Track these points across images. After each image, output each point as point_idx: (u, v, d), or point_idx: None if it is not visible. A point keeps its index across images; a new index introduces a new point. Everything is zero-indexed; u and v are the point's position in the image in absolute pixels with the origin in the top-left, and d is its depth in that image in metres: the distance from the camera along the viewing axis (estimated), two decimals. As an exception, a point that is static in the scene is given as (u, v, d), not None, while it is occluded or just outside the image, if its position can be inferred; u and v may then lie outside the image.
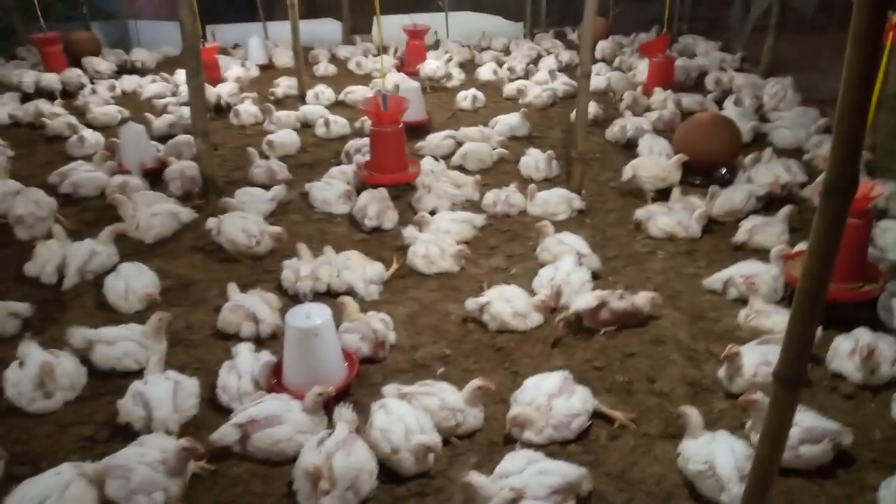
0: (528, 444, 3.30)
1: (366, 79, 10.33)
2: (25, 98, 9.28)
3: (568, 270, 4.58)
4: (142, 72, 10.93)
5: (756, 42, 10.43)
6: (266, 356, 3.80)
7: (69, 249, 4.92)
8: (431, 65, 9.95)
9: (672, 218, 5.40)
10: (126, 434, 3.40)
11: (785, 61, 9.72)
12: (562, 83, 9.37)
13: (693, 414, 3.25)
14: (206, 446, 3.18)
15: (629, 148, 7.20)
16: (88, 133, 7.53)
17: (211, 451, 3.24)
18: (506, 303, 4.27)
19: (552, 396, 3.41)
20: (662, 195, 5.92)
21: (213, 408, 3.64)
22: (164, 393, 3.45)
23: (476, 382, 3.45)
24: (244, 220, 5.16)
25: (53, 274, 4.85)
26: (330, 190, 5.97)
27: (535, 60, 11.07)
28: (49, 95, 9.45)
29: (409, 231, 5.18)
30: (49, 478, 2.92)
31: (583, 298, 4.21)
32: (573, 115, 7.27)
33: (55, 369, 3.64)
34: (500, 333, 4.25)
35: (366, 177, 6.07)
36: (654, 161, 6.12)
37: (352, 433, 3.14)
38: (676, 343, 4.16)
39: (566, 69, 10.48)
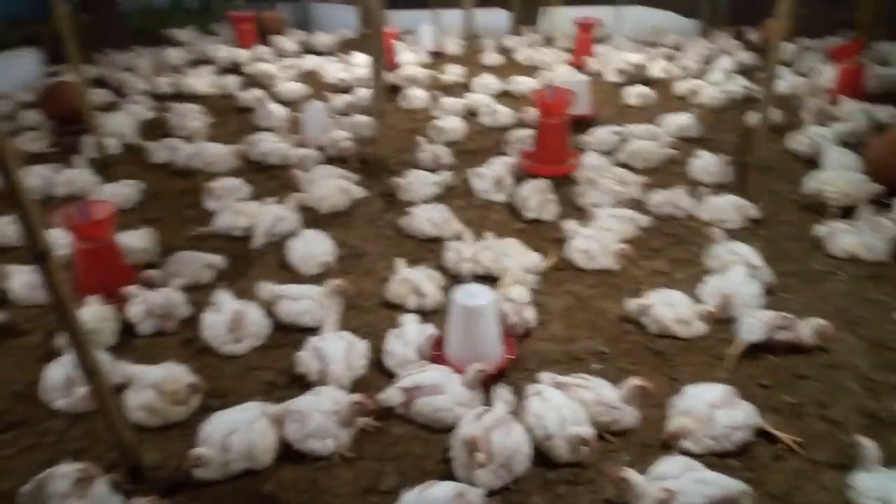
0: (686, 453, 3.25)
1: (532, 70, 10.37)
2: (220, 71, 10.21)
3: (737, 282, 4.40)
4: (321, 53, 11.64)
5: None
6: (429, 329, 4.00)
7: (259, 212, 5.41)
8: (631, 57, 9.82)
9: (857, 237, 5.02)
10: (302, 383, 3.73)
11: None
12: (738, 85, 8.91)
13: (870, 446, 3.06)
14: (373, 404, 3.41)
15: (811, 159, 6.75)
16: (275, 107, 8.16)
17: (377, 409, 3.46)
18: (669, 307, 4.19)
19: (714, 407, 3.33)
20: (846, 212, 5.51)
21: (379, 370, 3.88)
22: (339, 350, 3.73)
23: (635, 381, 3.43)
24: (428, 212, 5.38)
25: (242, 234, 5.37)
26: (490, 178, 6.09)
27: (709, 60, 10.58)
28: (240, 70, 10.33)
29: (570, 225, 5.19)
30: (238, 413, 3.28)
31: (751, 329, 4.01)
32: (750, 119, 6.96)
33: (244, 318, 4.05)
34: (660, 338, 4.18)
35: (526, 167, 6.14)
36: (842, 175, 5.70)
37: (509, 414, 3.25)
38: (853, 371, 3.89)
39: (743, 71, 9.95)
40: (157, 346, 4.16)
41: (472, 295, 3.67)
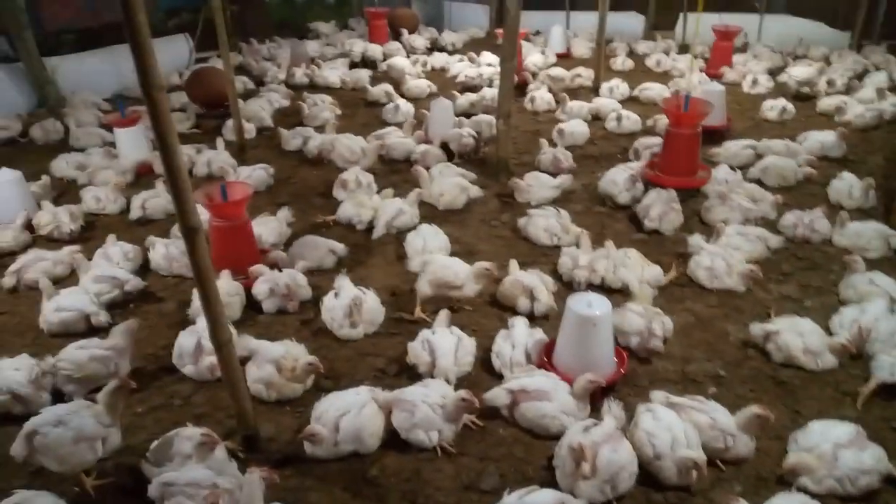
0: (804, 491, 3.05)
1: (663, 77, 10.05)
2: (353, 65, 10.59)
3: (876, 315, 4.06)
4: (450, 51, 11.82)
5: None
6: (539, 334, 3.97)
7: (381, 205, 5.57)
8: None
9: None
10: (411, 374, 3.81)
11: None
12: (891, 104, 8.22)
13: None
14: (479, 403, 3.42)
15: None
16: (402, 102, 8.37)
17: (481, 408, 3.48)
18: (798, 336, 3.93)
19: (840, 446, 3.10)
20: None
21: (485, 369, 3.90)
22: (449, 345, 3.78)
23: (755, 409, 3.25)
24: (548, 220, 5.33)
25: (364, 225, 5.55)
26: (612, 184, 5.94)
27: (860, 76, 9.83)
28: (371, 65, 10.67)
29: (695, 239, 4.99)
30: (350, 395, 3.39)
31: (889, 368, 3.69)
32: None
33: (362, 304, 4.19)
34: (784, 367, 3.94)
35: (652, 176, 5.95)
36: None
37: (618, 430, 3.17)
38: None
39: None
40: (278, 324, 4.38)
41: (589, 304, 3.60)
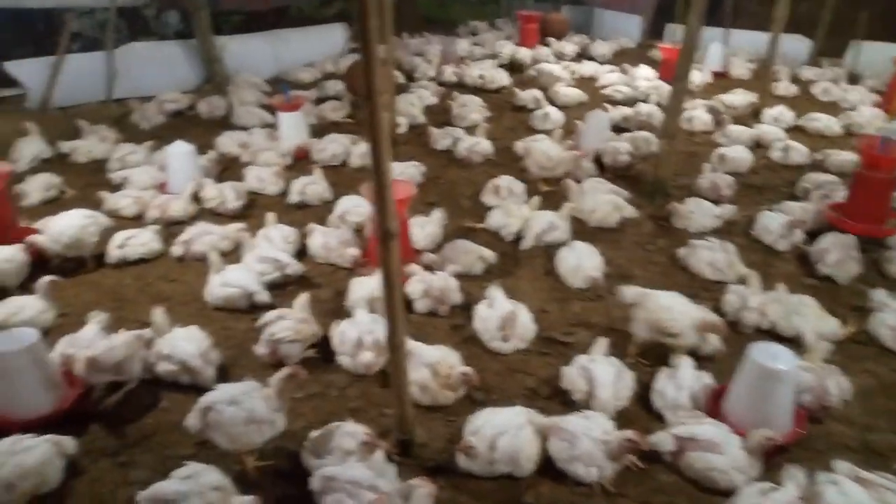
0: None
1: (831, 107, 9.33)
2: (501, 67, 10.52)
3: None
4: (598, 60, 11.52)
5: None
6: (705, 377, 3.72)
7: (531, 216, 5.46)
8: None
9: None
10: (563, 399, 3.68)
11: None
12: None
13: None
14: (644, 445, 3.23)
15: None
16: (553, 110, 8.21)
17: (645, 450, 3.29)
18: None
19: None
20: None
21: (642, 406, 3.70)
22: (608, 376, 3.61)
23: (958, 501, 2.89)
24: (714, 253, 5.04)
25: (511, 235, 5.45)
26: (781, 222, 5.53)
27: None
28: (519, 68, 10.56)
29: (880, 295, 4.54)
30: (508, 415, 3.29)
31: None
32: None
33: (516, 318, 4.09)
34: None
35: (834, 219, 5.49)
36: None
37: (800, 499, 2.90)
38: None
39: None
40: (429, 326, 4.36)
41: (773, 356, 3.33)
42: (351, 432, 3.13)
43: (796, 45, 12.08)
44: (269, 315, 4.00)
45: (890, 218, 5.42)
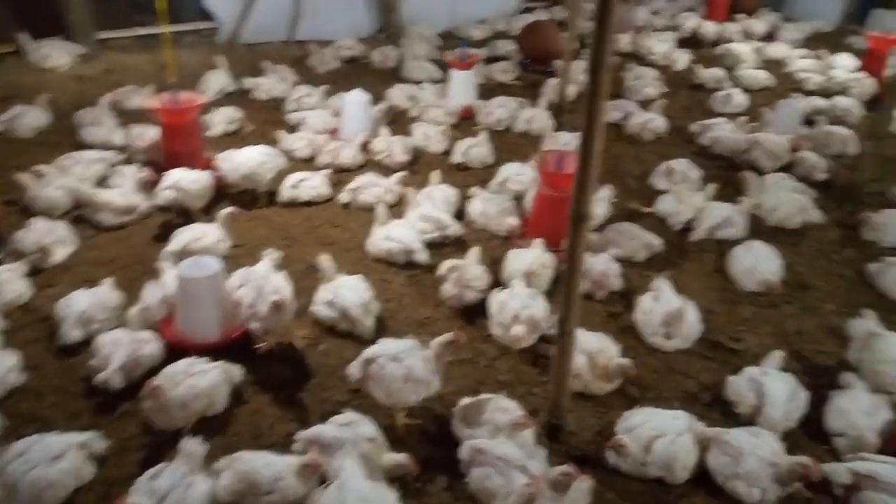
0: None
1: None
2: (682, 41, 9.90)
3: None
4: (790, 43, 10.53)
5: None
6: (887, 411, 3.33)
7: (706, 206, 5.12)
8: None
9: None
10: (725, 409, 3.46)
11: None
12: None
13: None
14: (818, 475, 2.96)
15: None
16: (736, 92, 7.62)
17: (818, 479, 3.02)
18: None
19: None
20: None
21: (811, 429, 3.39)
22: (782, 394, 3.33)
23: None
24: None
25: (680, 224, 5.15)
26: None
27: None
28: (701, 43, 9.89)
29: None
30: (667, 418, 3.14)
31: None
32: None
33: (685, 317, 3.86)
34: None
35: None
36: None
37: None
38: None
39: None
40: (585, 310, 4.17)
41: None
42: (504, 407, 3.11)
43: None
44: (452, 263, 4.14)
45: None
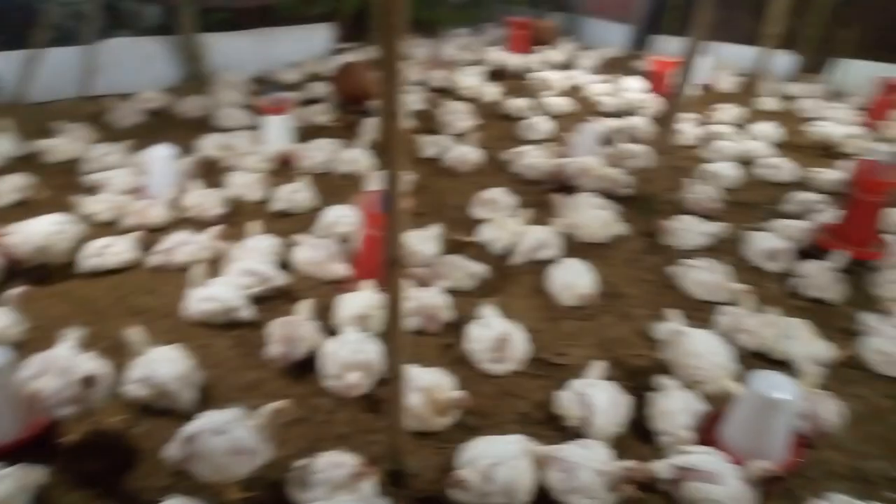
0: None
1: (811, 124, 9.36)
2: (488, 74, 10.43)
3: None
4: (586, 69, 11.46)
5: None
6: (696, 403, 3.64)
7: (522, 231, 5.36)
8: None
9: None
10: (556, 425, 3.59)
11: None
12: None
13: None
14: (643, 475, 3.15)
15: None
16: (542, 120, 8.14)
17: (640, 480, 3.20)
18: None
19: None
20: None
21: (635, 431, 3.62)
22: (605, 402, 3.52)
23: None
24: (706, 274, 4.98)
25: (501, 249, 5.35)
26: (770, 243, 5.49)
27: None
28: (506, 76, 10.49)
29: (869, 318, 4.53)
30: (504, 444, 3.18)
31: None
32: None
33: (511, 340, 3.99)
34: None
35: (824, 241, 5.47)
36: None
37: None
38: None
39: None
40: (417, 345, 4.22)
41: (774, 385, 3.26)
42: (339, 462, 3.00)
43: (782, 61, 12.16)
44: (280, 320, 3.99)
45: (875, 241, 5.42)
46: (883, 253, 5.34)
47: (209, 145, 6.94)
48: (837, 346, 4.39)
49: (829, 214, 5.96)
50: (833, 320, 4.82)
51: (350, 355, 3.67)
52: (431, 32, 13.16)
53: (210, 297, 4.27)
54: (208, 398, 3.68)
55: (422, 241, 5.09)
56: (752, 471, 3.11)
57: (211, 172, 6.54)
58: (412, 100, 8.92)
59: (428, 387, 3.49)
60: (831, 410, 3.65)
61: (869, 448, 3.69)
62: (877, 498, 3.29)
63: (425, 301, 4.32)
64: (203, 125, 7.91)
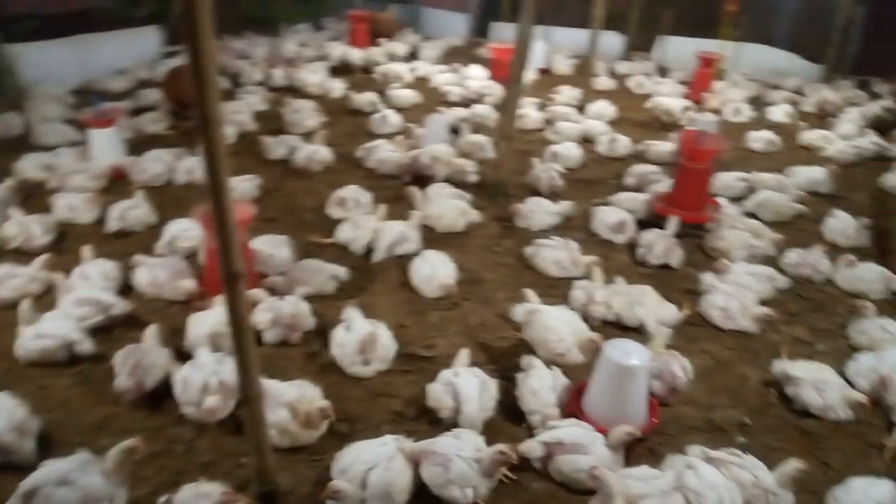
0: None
1: (642, 99, 10.05)
2: (333, 69, 10.25)
3: (894, 363, 4.04)
4: (430, 60, 11.56)
5: None
6: (562, 378, 3.78)
7: (380, 227, 5.30)
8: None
9: None
10: (431, 418, 3.58)
11: None
12: (870, 141, 8.40)
13: None
14: (516, 456, 3.21)
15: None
16: (391, 113, 8.10)
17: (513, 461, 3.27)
18: (817, 391, 3.83)
19: (882, 506, 3.03)
20: None
21: (505, 413, 3.69)
22: (473, 389, 3.55)
23: (797, 464, 3.15)
24: (557, 252, 5.16)
25: (361, 248, 5.27)
26: (614, 216, 5.81)
27: (835, 110, 10.03)
28: (351, 70, 10.36)
29: (707, 278, 4.91)
30: (376, 447, 3.14)
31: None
32: (886, 180, 6.55)
33: (377, 340, 3.93)
34: (806, 416, 3.86)
35: (660, 208, 5.86)
36: None
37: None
38: None
39: (874, 126, 9.37)
40: (281, 357, 4.08)
41: (627, 353, 3.44)
42: (204, 493, 2.81)
43: (612, 41, 12.92)
44: (125, 349, 3.70)
45: (708, 205, 5.89)
46: (714, 215, 5.81)
47: (29, 166, 6.27)
48: (682, 306, 4.74)
49: (664, 184, 6.39)
50: (676, 283, 5.19)
51: (206, 378, 3.45)
52: (270, 30, 12.74)
53: (44, 333, 3.85)
54: (52, 445, 3.32)
55: (275, 247, 4.90)
56: (616, 436, 3.27)
57: (34, 196, 5.94)
58: (254, 100, 8.59)
59: (293, 400, 3.36)
60: (681, 368, 3.93)
61: (718, 399, 3.99)
62: (730, 444, 3.57)
63: (284, 311, 4.16)
64: (21, 145, 7.13)
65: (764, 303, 4.80)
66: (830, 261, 5.37)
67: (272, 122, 8.01)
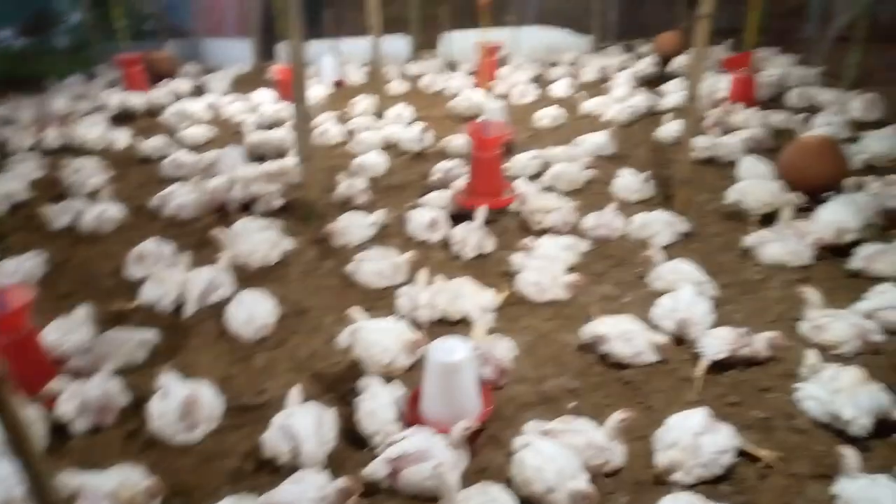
0: (678, 485, 3.25)
1: (437, 96, 10.37)
2: (113, 120, 9.56)
3: (689, 301, 4.47)
4: (218, 91, 11.14)
5: (838, 55, 10.11)
6: (399, 389, 3.79)
7: (188, 278, 5.02)
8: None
9: (783, 245, 5.23)
10: (271, 467, 3.44)
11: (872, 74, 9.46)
12: (640, 99, 9.26)
13: (849, 454, 3.16)
14: (360, 485, 3.19)
15: (718, 167, 7.10)
16: (182, 153, 7.69)
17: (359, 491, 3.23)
18: (624, 343, 4.16)
19: (698, 435, 3.34)
20: (766, 219, 5.77)
21: (347, 439, 3.64)
22: (309, 426, 3.45)
23: (619, 415, 3.40)
24: (377, 263, 5.18)
25: (171, 305, 4.95)
26: (426, 216, 5.92)
27: (608, 75, 10.95)
28: (134, 117, 9.72)
29: (517, 257, 5.16)
30: (215, 515, 2.97)
31: (714, 348, 4.09)
32: (659, 132, 7.24)
33: (199, 400, 3.71)
34: (624, 367, 4.17)
35: (463, 200, 6.06)
36: (761, 185, 5.99)
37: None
38: (809, 376, 4.04)
39: (643, 84, 10.35)
40: (97, 445, 3.72)
41: (449, 350, 3.52)
42: None
43: (398, 44, 13.20)
44: None
45: (506, 188, 6.19)
46: (513, 197, 6.11)
47: None
48: (499, 289, 4.93)
49: (465, 177, 6.63)
50: (492, 268, 5.39)
51: (5, 495, 3.08)
52: (37, 88, 11.62)
53: None
54: None
55: (72, 326, 4.47)
56: (455, 434, 3.34)
57: None
58: (27, 168, 7.79)
59: (113, 490, 3.09)
60: (506, 349, 4.09)
61: (545, 370, 4.20)
62: (562, 412, 3.76)
63: (91, 394, 3.80)
64: None
65: (571, 269, 5.14)
66: (622, 216, 5.85)
67: (52, 189, 7.31)
